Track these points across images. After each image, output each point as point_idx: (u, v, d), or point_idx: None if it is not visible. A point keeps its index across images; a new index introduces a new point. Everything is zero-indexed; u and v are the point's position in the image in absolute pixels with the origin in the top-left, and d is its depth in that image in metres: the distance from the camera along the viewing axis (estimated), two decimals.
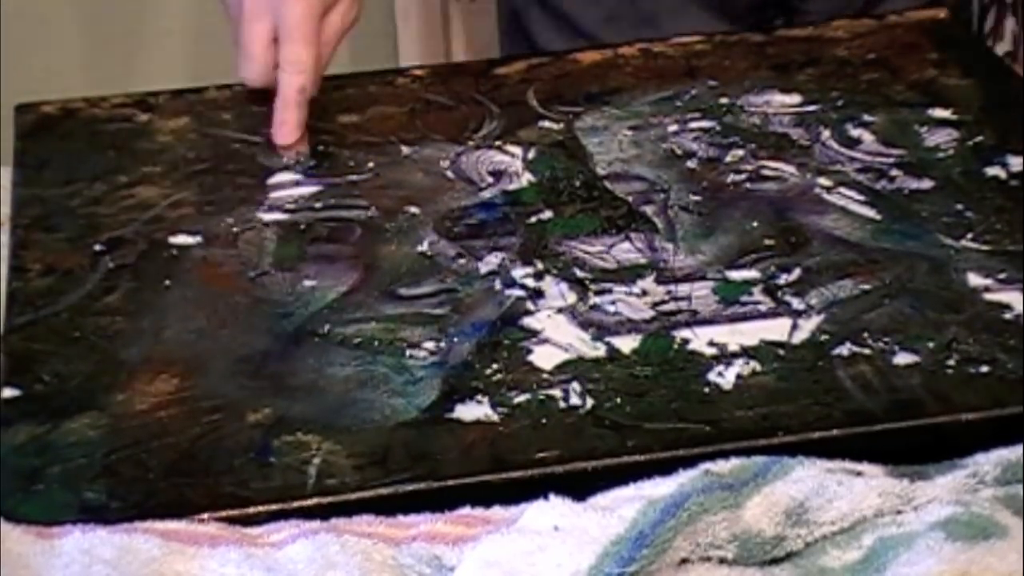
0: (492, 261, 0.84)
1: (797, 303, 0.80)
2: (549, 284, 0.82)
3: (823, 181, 0.90)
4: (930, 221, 0.86)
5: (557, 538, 0.62)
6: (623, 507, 0.63)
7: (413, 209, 0.89)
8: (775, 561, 0.65)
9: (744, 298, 0.80)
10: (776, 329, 0.78)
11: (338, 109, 1.00)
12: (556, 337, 0.78)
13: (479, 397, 0.74)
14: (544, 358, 0.76)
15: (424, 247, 0.85)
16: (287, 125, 0.95)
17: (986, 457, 0.68)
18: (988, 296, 0.80)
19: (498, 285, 0.82)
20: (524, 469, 0.69)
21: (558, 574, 0.61)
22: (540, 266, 0.83)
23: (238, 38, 0.99)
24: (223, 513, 0.67)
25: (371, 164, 0.94)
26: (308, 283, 0.82)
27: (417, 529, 0.65)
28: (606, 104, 0.99)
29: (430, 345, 0.77)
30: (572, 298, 0.81)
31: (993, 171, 0.91)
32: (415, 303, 0.81)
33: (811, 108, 0.98)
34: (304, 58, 0.96)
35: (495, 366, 0.76)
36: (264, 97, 1.01)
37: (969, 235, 0.85)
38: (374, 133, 0.97)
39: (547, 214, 0.88)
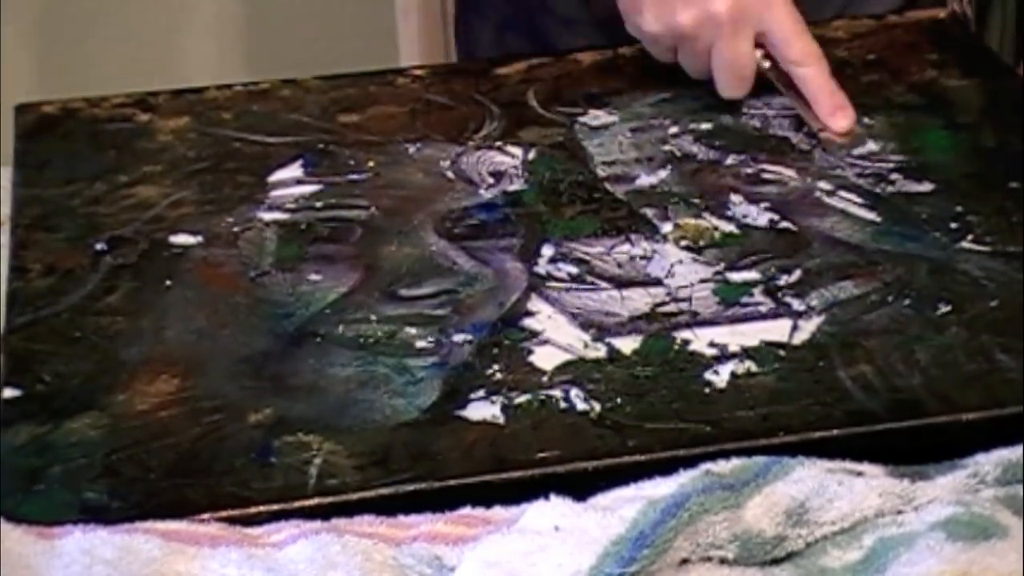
0: (492, 262, 0.84)
1: (797, 304, 0.80)
2: (549, 285, 0.82)
3: (823, 185, 0.90)
4: (930, 223, 0.86)
5: (558, 538, 0.62)
6: (624, 507, 0.63)
7: (413, 209, 0.89)
8: (776, 561, 0.65)
9: (744, 299, 0.80)
10: (776, 330, 0.78)
11: (338, 109, 1.00)
12: (557, 338, 0.78)
13: (480, 397, 0.74)
14: (545, 359, 0.76)
15: (424, 247, 0.85)
16: (845, 109, 0.96)
17: (986, 457, 0.68)
18: (988, 297, 0.80)
19: (498, 286, 0.82)
20: (525, 469, 0.69)
21: (559, 574, 0.61)
22: (540, 267, 0.83)
23: (717, 61, 0.98)
24: (224, 513, 0.67)
25: (371, 164, 0.94)
26: (308, 283, 0.82)
27: (418, 529, 0.65)
28: (606, 105, 0.99)
29: (431, 345, 0.77)
30: (572, 299, 0.81)
31: (993, 171, 0.91)
32: (416, 303, 0.81)
33: None
34: (816, 48, 0.97)
35: (496, 367, 0.76)
36: (264, 97, 1.01)
37: (969, 237, 0.85)
38: (374, 133, 0.97)
39: (547, 215, 0.88)
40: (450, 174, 0.92)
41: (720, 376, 0.75)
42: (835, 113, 0.95)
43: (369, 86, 1.02)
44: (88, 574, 0.63)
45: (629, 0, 1.00)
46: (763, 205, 0.88)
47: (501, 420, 0.72)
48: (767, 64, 0.98)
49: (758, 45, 0.97)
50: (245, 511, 0.68)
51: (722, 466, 0.65)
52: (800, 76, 0.97)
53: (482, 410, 0.73)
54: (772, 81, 0.98)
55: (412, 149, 0.95)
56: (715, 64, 0.98)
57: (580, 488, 0.66)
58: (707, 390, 0.74)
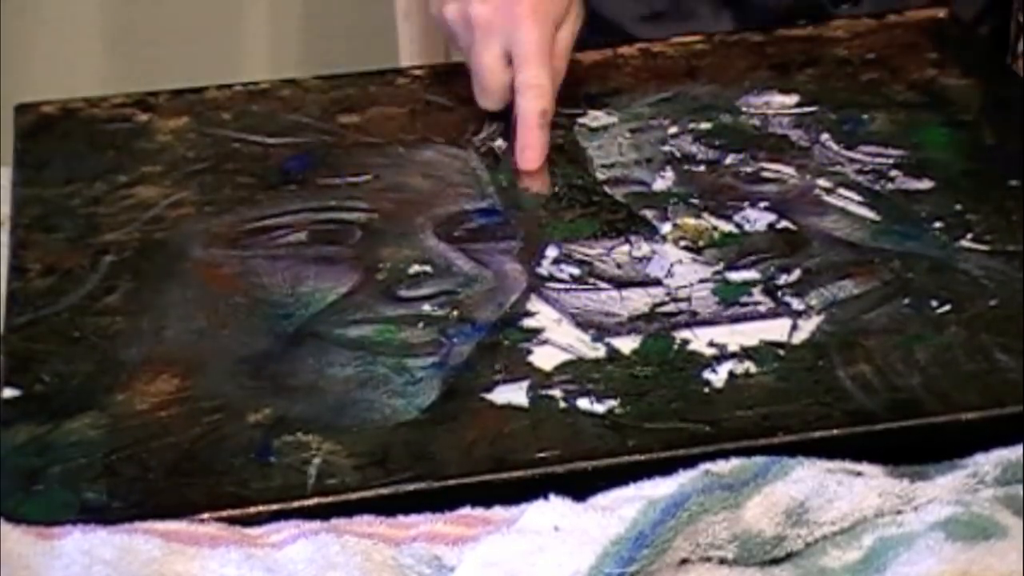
0: (491, 263, 0.84)
1: (797, 303, 0.80)
2: (549, 285, 0.82)
3: (823, 182, 0.90)
4: (929, 221, 0.86)
5: (557, 538, 0.62)
6: (623, 507, 0.63)
7: (413, 211, 0.89)
8: (775, 561, 0.65)
9: (744, 299, 0.80)
10: (776, 329, 0.78)
11: (338, 109, 1.00)
12: (556, 338, 0.78)
13: (479, 397, 0.74)
14: (544, 358, 0.76)
15: (424, 249, 0.85)
16: (533, 150, 0.93)
17: (986, 457, 0.68)
18: (988, 296, 0.80)
19: (498, 286, 0.82)
20: (524, 469, 0.69)
21: (558, 574, 0.61)
22: (540, 268, 0.83)
23: (471, 65, 0.97)
24: (223, 513, 0.67)
25: (371, 166, 0.94)
26: (308, 284, 0.82)
27: (417, 529, 0.65)
28: (606, 105, 0.99)
29: (430, 346, 0.77)
30: (572, 299, 0.81)
31: (993, 170, 0.91)
32: (415, 304, 0.81)
33: (811, 108, 0.98)
34: (543, 82, 0.94)
35: (495, 367, 0.76)
36: (264, 97, 1.01)
37: (969, 235, 0.85)
38: (374, 134, 0.97)
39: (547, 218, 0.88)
40: (450, 176, 0.92)
41: (719, 376, 0.75)
42: (523, 150, 0.93)
43: (369, 86, 1.02)
44: (88, 574, 0.63)
45: None
46: (762, 204, 0.88)
47: (500, 420, 0.72)
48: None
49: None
50: (245, 511, 0.68)
51: (722, 466, 0.65)
52: (517, 102, 0.94)
53: (481, 410, 0.73)
54: None
55: (412, 151, 0.95)
56: (470, 67, 0.97)
57: (580, 488, 0.66)
58: (706, 390, 0.74)
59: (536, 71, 0.93)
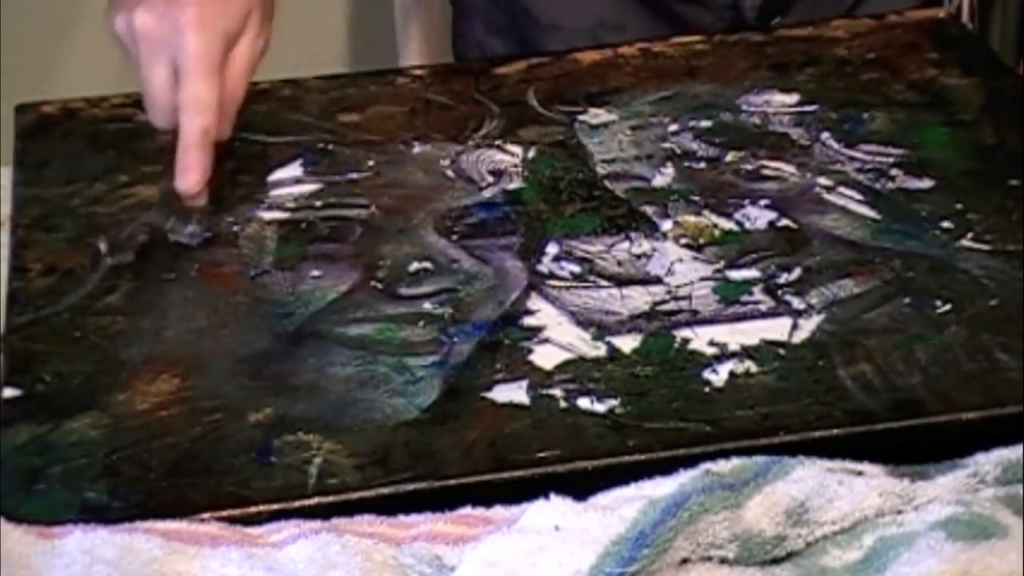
0: (492, 260, 0.84)
1: (797, 303, 0.80)
2: (549, 283, 0.82)
3: (823, 181, 0.90)
4: (930, 220, 0.86)
5: (558, 538, 0.62)
6: (624, 507, 0.63)
7: (413, 208, 0.89)
8: (776, 561, 0.65)
9: (744, 297, 0.80)
10: (776, 328, 0.78)
11: (338, 109, 1.00)
12: (557, 337, 0.78)
13: (480, 396, 0.74)
14: (545, 357, 0.76)
15: (424, 246, 0.85)
16: (192, 172, 0.86)
17: (986, 457, 0.68)
18: (988, 295, 0.80)
19: (498, 284, 0.82)
20: (525, 469, 0.69)
21: (559, 574, 0.61)
22: (540, 265, 0.83)
23: (141, 81, 0.89)
24: (224, 513, 0.67)
25: (371, 163, 0.94)
26: (308, 282, 0.82)
27: (418, 529, 0.65)
28: (606, 104, 0.99)
29: (431, 345, 0.77)
30: (572, 297, 0.81)
31: (993, 169, 0.91)
32: (416, 302, 0.81)
33: (811, 108, 0.98)
34: (204, 96, 0.86)
35: (496, 366, 0.76)
36: (264, 97, 1.01)
37: (969, 234, 0.85)
38: (374, 132, 0.97)
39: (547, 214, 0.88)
40: (450, 173, 0.93)
41: (720, 375, 0.75)
42: (182, 172, 0.86)
43: (369, 86, 1.02)
44: (88, 574, 0.63)
45: None
46: (763, 202, 0.88)
47: (501, 419, 0.72)
48: None
49: None
50: (245, 511, 0.68)
51: (722, 466, 0.65)
52: (179, 119, 0.87)
53: (482, 409, 0.73)
54: None
55: (412, 148, 0.95)
56: (141, 83, 0.89)
57: (580, 488, 0.66)
58: (707, 389, 0.74)
59: (198, 85, 0.86)
